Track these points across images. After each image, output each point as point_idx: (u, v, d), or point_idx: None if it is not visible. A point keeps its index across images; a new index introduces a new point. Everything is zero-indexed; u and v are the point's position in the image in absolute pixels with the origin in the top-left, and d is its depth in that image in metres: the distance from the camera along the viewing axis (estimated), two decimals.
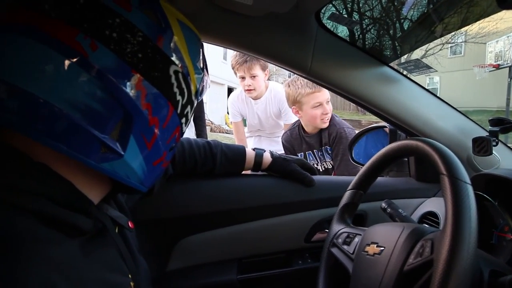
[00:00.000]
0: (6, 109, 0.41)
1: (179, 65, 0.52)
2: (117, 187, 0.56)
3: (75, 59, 0.42)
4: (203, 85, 0.63)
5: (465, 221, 0.51)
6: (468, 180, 0.56)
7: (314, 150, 1.98)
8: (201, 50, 0.60)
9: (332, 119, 1.90)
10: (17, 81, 0.41)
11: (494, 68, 12.98)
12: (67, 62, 0.42)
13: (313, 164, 1.96)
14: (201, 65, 0.59)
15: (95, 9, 0.44)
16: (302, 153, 2.04)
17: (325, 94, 1.84)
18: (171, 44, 0.51)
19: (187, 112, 0.57)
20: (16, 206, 0.40)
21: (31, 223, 0.40)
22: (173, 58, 0.51)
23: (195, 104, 0.61)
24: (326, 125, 1.90)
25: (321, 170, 2.01)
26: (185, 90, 0.54)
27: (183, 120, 0.57)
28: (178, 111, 0.54)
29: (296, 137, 2.05)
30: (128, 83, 0.45)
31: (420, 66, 0.99)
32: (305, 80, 1.84)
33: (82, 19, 0.43)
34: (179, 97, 0.53)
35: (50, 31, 0.42)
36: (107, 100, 0.44)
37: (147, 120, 0.48)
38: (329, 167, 1.97)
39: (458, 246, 0.49)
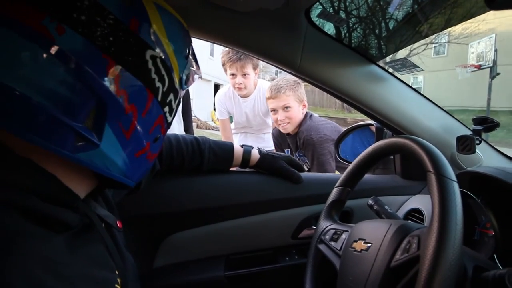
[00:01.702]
0: None
1: (157, 50, 0.50)
2: (104, 182, 0.54)
3: (41, 44, 0.40)
4: (189, 74, 0.61)
5: (451, 218, 0.52)
6: (454, 177, 0.57)
7: (294, 151, 2.01)
8: (184, 36, 0.58)
9: (301, 125, 1.88)
10: None
11: (476, 69, 13.23)
12: (33, 48, 0.40)
13: None
14: (186, 53, 0.58)
15: None
16: (287, 149, 2.08)
17: (280, 101, 1.83)
18: (147, 28, 0.49)
19: (170, 101, 0.55)
20: (1, 201, 0.39)
21: (16, 218, 0.40)
22: (149, 43, 0.49)
23: (180, 93, 0.59)
24: (285, 131, 1.92)
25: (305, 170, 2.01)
26: (166, 77, 0.52)
27: (166, 109, 0.55)
28: (159, 98, 0.52)
29: (282, 135, 2.07)
30: (99, 68, 0.44)
31: (407, 65, 1.00)
32: (278, 83, 1.86)
33: (48, 2, 0.41)
34: (158, 84, 0.51)
35: (13, 14, 0.40)
36: (78, 87, 0.42)
37: (122, 107, 0.46)
38: (308, 168, 1.97)
39: (444, 242, 0.50)
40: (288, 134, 1.98)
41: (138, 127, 0.50)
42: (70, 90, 0.42)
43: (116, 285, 0.52)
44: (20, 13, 0.40)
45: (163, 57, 0.51)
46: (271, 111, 1.91)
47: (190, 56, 0.59)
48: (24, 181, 0.42)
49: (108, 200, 0.68)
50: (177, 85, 0.56)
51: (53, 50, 0.41)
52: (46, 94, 0.41)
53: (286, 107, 1.83)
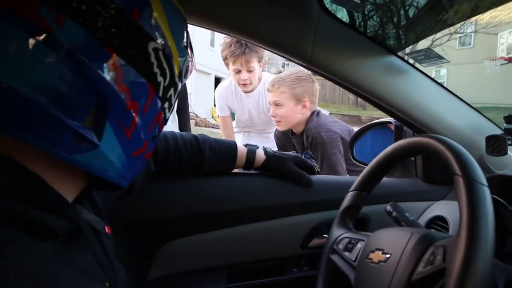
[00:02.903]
0: None
1: (159, 42, 0.50)
2: (94, 183, 0.55)
3: (38, 36, 0.40)
4: (187, 66, 0.61)
5: (481, 226, 0.51)
6: (485, 181, 0.56)
7: (300, 152, 1.98)
8: (184, 27, 0.59)
9: (309, 122, 1.86)
10: None
11: (506, 62, 13.15)
12: (29, 40, 0.40)
13: None
14: (185, 44, 0.58)
15: None
16: (293, 151, 2.04)
17: (272, 96, 1.85)
18: (150, 19, 0.49)
19: (170, 96, 0.56)
20: None
21: None
22: (152, 34, 0.49)
23: (179, 88, 0.60)
24: (280, 128, 1.96)
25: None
26: (167, 71, 0.53)
27: (166, 104, 0.55)
28: (160, 94, 0.52)
29: (286, 135, 2.06)
30: (101, 62, 0.44)
31: (431, 56, 0.99)
32: (279, 75, 1.88)
33: None
34: (160, 78, 0.51)
35: (7, 3, 0.40)
36: (78, 82, 0.43)
37: (124, 104, 0.47)
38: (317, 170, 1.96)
39: (474, 253, 0.50)
40: (293, 134, 1.97)
41: (138, 125, 0.50)
42: (69, 86, 0.42)
43: None
44: (15, 2, 0.40)
45: (166, 49, 0.51)
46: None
47: (188, 47, 0.59)
48: (5, 181, 0.42)
49: (96, 204, 0.68)
50: (176, 78, 0.56)
51: (52, 42, 0.41)
52: (40, 89, 0.41)
53: (277, 104, 1.83)
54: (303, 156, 1.93)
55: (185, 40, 0.58)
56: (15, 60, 0.40)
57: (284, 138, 2.09)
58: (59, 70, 0.41)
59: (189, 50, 0.60)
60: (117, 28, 0.45)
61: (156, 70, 0.50)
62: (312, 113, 1.87)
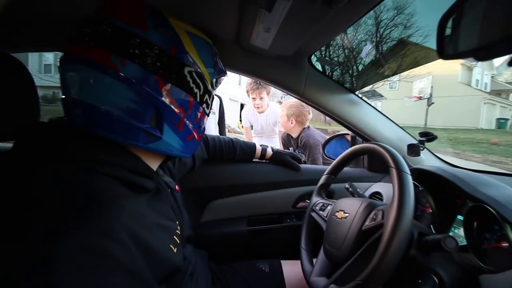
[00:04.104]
0: (76, 116, 0.41)
1: (192, 66, 0.47)
2: (168, 157, 0.54)
3: (112, 75, 0.40)
4: (217, 78, 0.58)
5: (407, 199, 0.51)
6: (408, 171, 0.55)
7: (294, 149, 2.01)
8: (210, 51, 0.53)
9: (303, 131, 1.90)
10: (83, 97, 0.41)
11: (417, 99, 12.95)
12: (107, 78, 0.40)
13: None
14: (213, 63, 0.53)
15: (120, 34, 0.42)
16: (291, 148, 2.07)
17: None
18: (183, 51, 0.46)
19: (206, 99, 0.53)
20: (104, 173, 0.39)
21: (114, 184, 0.40)
22: (185, 62, 0.47)
23: (213, 92, 0.56)
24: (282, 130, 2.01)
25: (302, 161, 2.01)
26: (201, 84, 0.50)
27: (204, 105, 0.53)
28: (198, 100, 0.50)
29: (288, 138, 2.09)
30: (153, 86, 0.43)
31: (375, 94, 0.98)
32: (284, 104, 1.93)
33: (111, 44, 0.41)
34: (196, 90, 0.49)
35: (94, 58, 0.40)
36: (141, 100, 0.42)
37: (173, 110, 0.46)
38: (304, 161, 1.99)
39: (402, 214, 0.49)
40: (291, 137, 2.00)
41: (186, 121, 0.49)
42: (136, 103, 0.42)
43: (177, 231, 0.52)
44: (95, 55, 0.41)
45: (197, 70, 0.49)
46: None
47: (217, 65, 0.56)
48: (118, 159, 0.43)
49: (171, 171, 0.69)
50: (209, 87, 0.54)
51: (120, 77, 0.41)
52: (120, 107, 0.41)
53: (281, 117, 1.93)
54: (297, 151, 1.95)
55: (212, 60, 0.53)
56: (102, 92, 0.40)
57: (287, 139, 2.11)
58: (127, 94, 0.41)
59: (218, 66, 0.56)
60: (161, 62, 0.44)
61: (192, 85, 0.48)
62: (304, 127, 1.91)
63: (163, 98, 0.44)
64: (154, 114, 0.44)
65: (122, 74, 0.41)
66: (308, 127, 1.94)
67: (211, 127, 2.34)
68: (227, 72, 0.68)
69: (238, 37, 0.71)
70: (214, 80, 0.56)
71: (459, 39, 0.37)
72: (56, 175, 0.36)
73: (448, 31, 0.39)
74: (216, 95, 2.42)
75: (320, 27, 0.56)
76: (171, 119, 0.46)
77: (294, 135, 1.95)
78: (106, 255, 0.33)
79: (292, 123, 1.89)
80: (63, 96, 0.43)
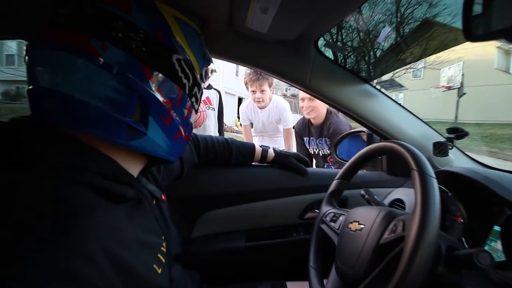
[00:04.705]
0: (47, 108, 0.41)
1: (180, 54, 0.49)
2: (151, 161, 0.54)
3: (91, 60, 0.41)
4: (206, 69, 0.59)
5: (431, 206, 0.50)
6: (433, 174, 0.55)
7: (315, 138, 2.05)
8: (199, 40, 0.55)
9: (331, 118, 1.95)
10: (55, 86, 0.41)
11: (446, 89, 12.93)
12: (86, 64, 0.41)
13: (314, 150, 2.06)
14: (202, 53, 0.55)
15: (101, 16, 0.42)
16: (307, 138, 2.11)
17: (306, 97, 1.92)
18: (171, 37, 0.47)
19: (196, 92, 0.54)
20: (73, 181, 0.39)
21: (86, 194, 0.40)
22: (174, 48, 0.48)
23: (202, 85, 0.58)
24: (309, 116, 2.00)
25: (320, 155, 2.06)
26: (190, 74, 0.51)
27: (193, 99, 0.54)
28: (187, 92, 0.51)
29: (305, 125, 2.12)
30: (138, 73, 0.43)
31: (394, 84, 0.98)
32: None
33: (91, 26, 0.41)
34: (185, 81, 0.50)
35: (70, 42, 0.41)
36: (124, 90, 0.42)
37: (160, 102, 0.46)
38: (326, 153, 2.02)
39: (425, 225, 0.49)
40: (311, 124, 2.05)
41: (174, 115, 0.49)
42: (118, 93, 0.42)
43: (162, 248, 0.52)
44: (72, 38, 0.41)
45: (186, 58, 0.50)
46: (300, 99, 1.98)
47: (206, 55, 0.57)
48: (91, 164, 0.42)
49: (156, 178, 0.68)
50: (199, 79, 0.55)
51: (101, 63, 0.41)
52: (100, 97, 0.41)
53: (311, 99, 1.91)
54: (316, 141, 2.02)
55: (201, 49, 0.55)
56: (79, 79, 0.41)
57: (303, 127, 2.14)
58: (108, 82, 0.42)
59: (207, 57, 0.58)
60: (146, 47, 0.44)
61: (181, 74, 0.49)
62: (332, 113, 1.97)
63: (148, 88, 0.44)
64: (139, 106, 0.44)
65: (102, 60, 0.41)
66: (336, 113, 1.98)
67: (211, 125, 2.35)
68: (222, 61, 0.68)
69: (232, 20, 0.71)
70: (204, 72, 0.57)
71: (492, 17, 0.36)
72: (14, 186, 0.36)
73: (476, 8, 0.38)
74: (215, 89, 2.43)
75: (327, 5, 0.56)
76: (158, 112, 0.46)
77: (317, 121, 1.98)
78: (78, 279, 0.33)
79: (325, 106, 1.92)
80: (30, 87, 0.43)
